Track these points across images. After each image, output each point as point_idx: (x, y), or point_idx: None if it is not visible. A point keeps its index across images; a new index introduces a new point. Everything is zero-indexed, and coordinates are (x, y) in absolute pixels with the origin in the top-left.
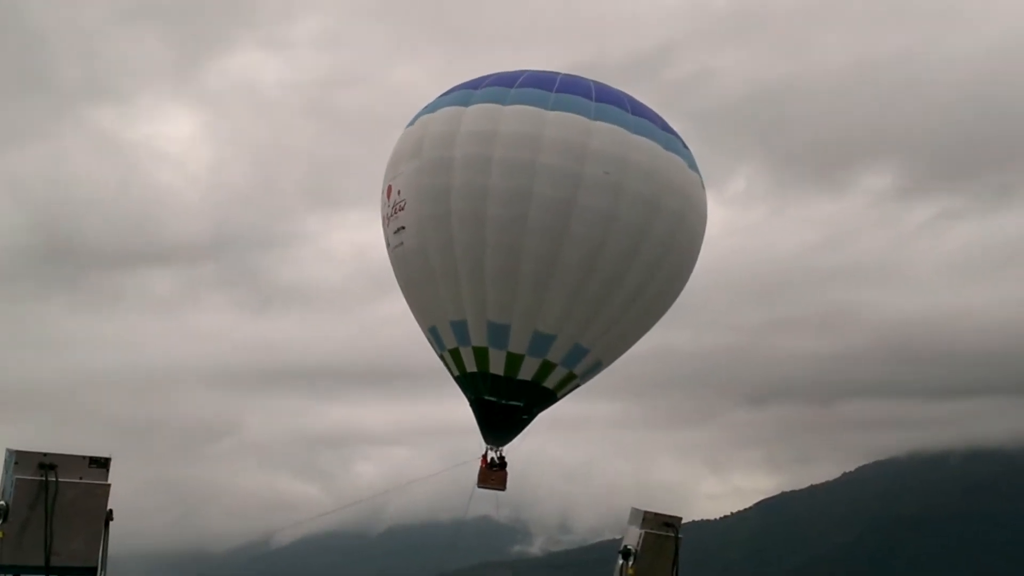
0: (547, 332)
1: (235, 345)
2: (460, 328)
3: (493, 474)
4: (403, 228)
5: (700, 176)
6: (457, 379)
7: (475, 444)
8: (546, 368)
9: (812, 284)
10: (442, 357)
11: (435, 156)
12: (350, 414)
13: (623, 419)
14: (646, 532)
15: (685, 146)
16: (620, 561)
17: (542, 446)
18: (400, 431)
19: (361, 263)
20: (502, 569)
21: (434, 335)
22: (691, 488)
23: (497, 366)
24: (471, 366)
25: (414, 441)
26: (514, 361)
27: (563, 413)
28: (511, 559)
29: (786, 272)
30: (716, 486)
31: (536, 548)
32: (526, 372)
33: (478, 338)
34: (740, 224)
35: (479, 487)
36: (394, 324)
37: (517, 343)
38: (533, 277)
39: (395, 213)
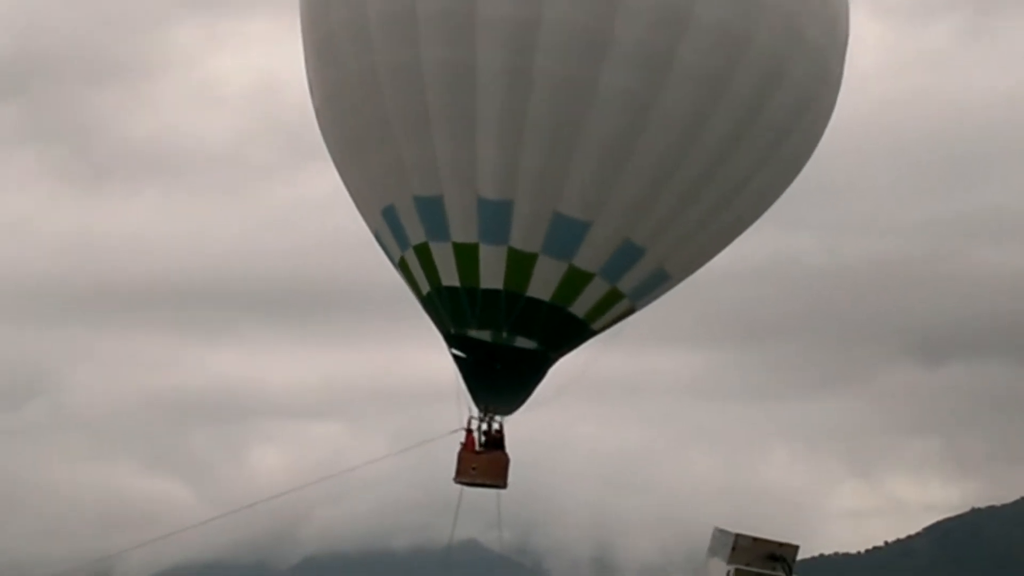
0: (576, 216)
1: (47, 244)
2: (432, 209)
3: (483, 458)
4: (337, 46)
5: None
6: (425, 300)
7: (451, 416)
8: (575, 279)
9: None
10: (401, 264)
11: None
12: (242, 366)
13: (704, 380)
14: (738, 569)
15: None
16: None
17: (569, 422)
18: (324, 395)
19: (264, 109)
20: None
21: (389, 223)
22: (818, 500)
23: (493, 274)
24: (449, 276)
25: (347, 411)
26: (521, 264)
27: (604, 366)
28: None
29: (990, 135)
30: (862, 498)
31: None
32: (541, 285)
33: (462, 226)
34: (913, 52)
35: (459, 481)
36: (317, 213)
37: (526, 233)
38: (554, 122)
39: (323, 26)
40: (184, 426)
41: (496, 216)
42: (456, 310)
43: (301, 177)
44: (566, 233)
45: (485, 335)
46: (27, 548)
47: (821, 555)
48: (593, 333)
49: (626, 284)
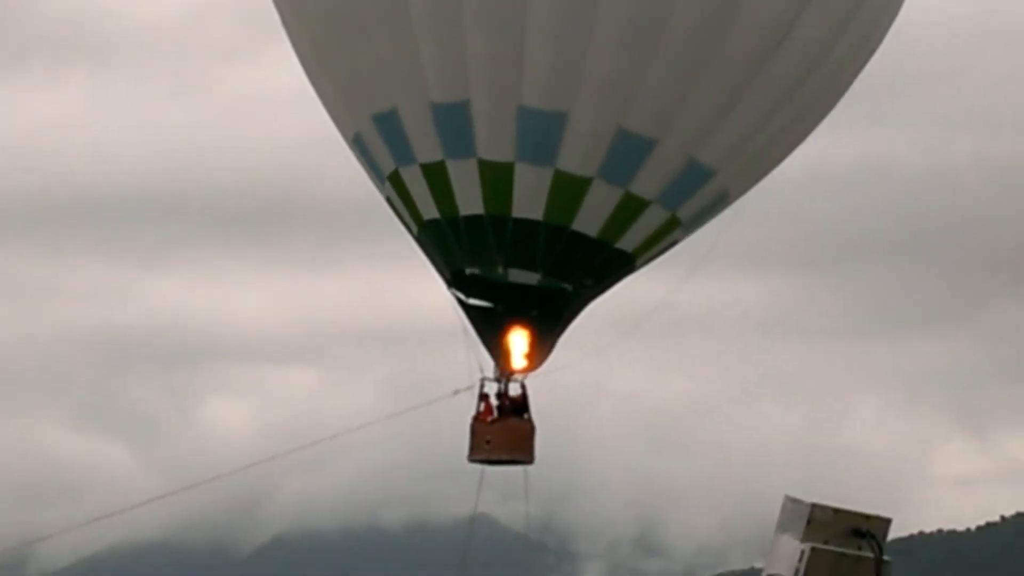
0: (641, 132)
1: None
2: (454, 117)
3: (498, 429)
4: None
5: None
6: (425, 230)
7: (453, 362)
8: (629, 208)
9: None
10: (393, 180)
11: None
12: (191, 297)
13: (773, 315)
14: (814, 548)
15: None
16: None
17: (604, 371)
18: (296, 333)
19: None
20: None
21: (384, 132)
22: (918, 465)
23: (531, 201)
24: (470, 202)
25: (324, 354)
26: (569, 190)
27: (647, 298)
28: None
29: None
30: (972, 461)
31: None
32: (590, 217)
33: (495, 141)
34: None
35: (474, 460)
36: (286, 105)
37: (581, 153)
38: (631, 11)
39: None
40: (120, 372)
41: (543, 130)
42: (475, 244)
43: (266, 59)
44: (628, 153)
45: (518, 276)
46: None
47: (921, 532)
48: (634, 269)
49: (686, 211)
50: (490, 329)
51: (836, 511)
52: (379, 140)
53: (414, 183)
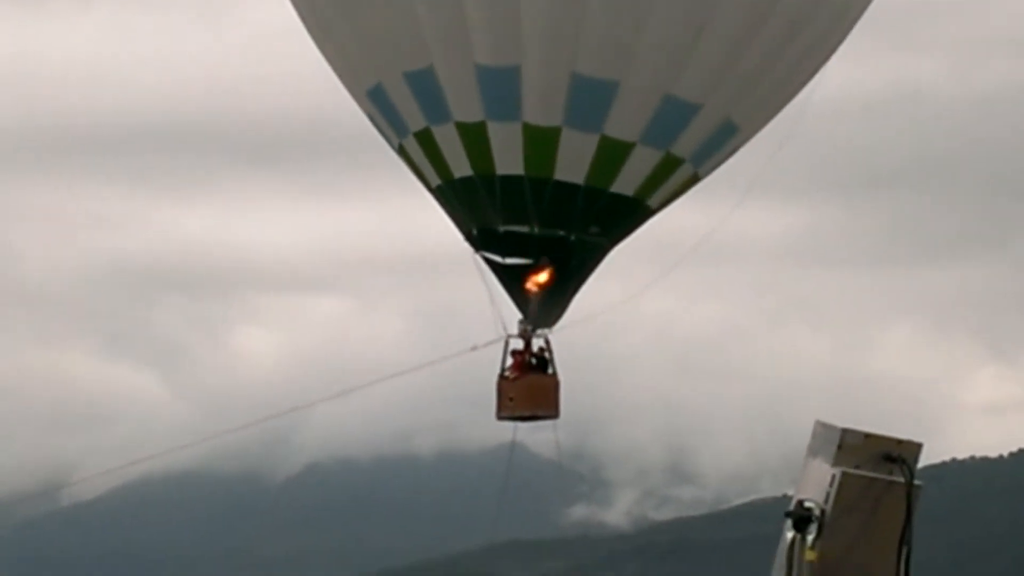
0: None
1: None
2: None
3: (520, 386)
4: None
5: None
6: (437, 195)
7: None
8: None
9: None
10: (402, 153)
11: None
12: (220, 227)
13: (803, 241)
14: (845, 472)
15: None
16: (789, 534)
17: (633, 304)
18: (324, 262)
19: None
20: (548, 556)
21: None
22: (950, 391)
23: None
24: (510, 162)
25: (353, 282)
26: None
27: (676, 225)
28: (568, 535)
29: None
30: (1005, 387)
31: (619, 514)
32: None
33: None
34: None
35: (501, 417)
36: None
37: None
38: None
39: None
40: (151, 301)
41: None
42: (511, 203)
43: None
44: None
45: (520, 229)
46: None
47: (954, 459)
48: (653, 211)
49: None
50: (515, 280)
51: (867, 436)
52: (409, 96)
53: (447, 141)
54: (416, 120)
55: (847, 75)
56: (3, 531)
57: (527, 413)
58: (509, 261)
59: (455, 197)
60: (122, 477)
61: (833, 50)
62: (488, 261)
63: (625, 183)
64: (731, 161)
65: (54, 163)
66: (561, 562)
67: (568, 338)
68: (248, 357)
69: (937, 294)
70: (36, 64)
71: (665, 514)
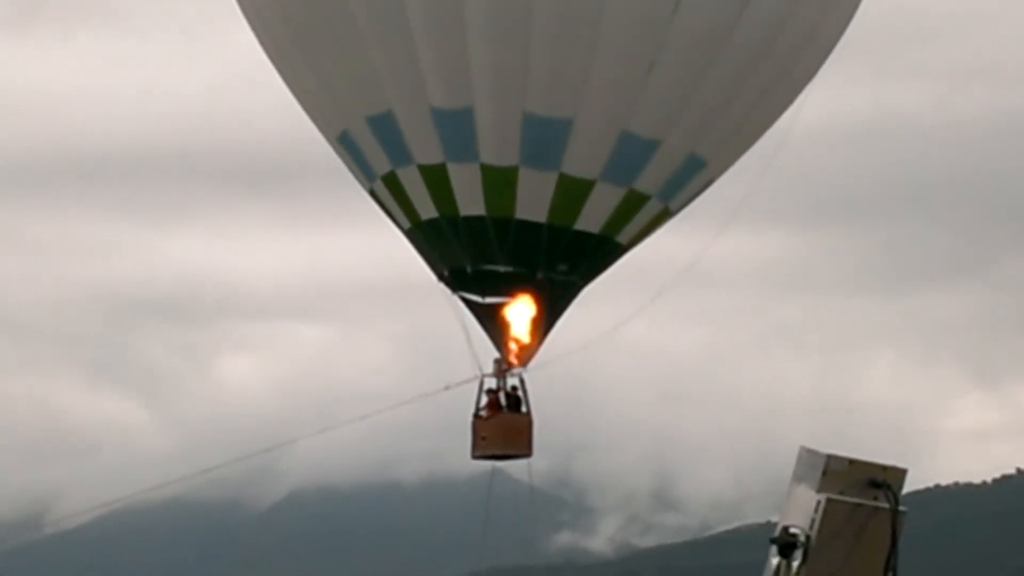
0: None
1: None
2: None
3: (492, 425)
4: None
5: None
6: (422, 227)
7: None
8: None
9: None
10: (373, 196)
11: None
12: (205, 254)
13: (788, 268)
14: (830, 499)
15: None
16: (775, 561)
17: (618, 322)
18: (309, 290)
19: None
20: None
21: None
22: (933, 417)
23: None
24: (471, 203)
25: (337, 311)
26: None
27: (662, 251)
28: (552, 562)
29: None
30: (988, 414)
31: (603, 541)
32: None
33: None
34: None
35: (475, 457)
36: None
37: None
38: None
39: None
40: (134, 330)
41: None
42: (477, 244)
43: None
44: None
45: (489, 268)
46: None
47: (937, 485)
48: (624, 248)
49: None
50: (491, 319)
51: (852, 461)
52: (372, 141)
53: (411, 183)
54: (381, 164)
55: (829, 102)
56: None
57: (500, 452)
58: (488, 300)
59: (424, 240)
60: (107, 506)
61: (805, 81)
62: (465, 301)
63: (589, 220)
64: (712, 188)
65: (37, 191)
66: None
67: (551, 365)
68: (232, 385)
69: (921, 320)
70: (18, 93)
71: (649, 541)
